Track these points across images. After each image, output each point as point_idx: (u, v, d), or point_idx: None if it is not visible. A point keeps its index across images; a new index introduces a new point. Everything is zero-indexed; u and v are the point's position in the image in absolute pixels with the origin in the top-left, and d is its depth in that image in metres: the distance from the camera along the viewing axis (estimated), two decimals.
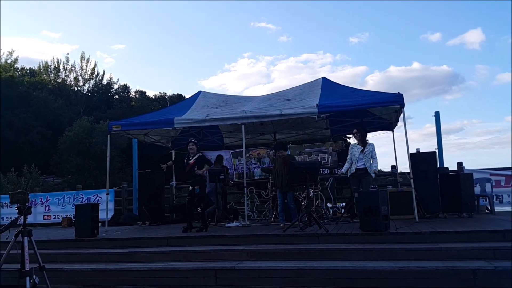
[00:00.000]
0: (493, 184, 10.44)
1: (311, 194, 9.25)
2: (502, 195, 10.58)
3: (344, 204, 11.85)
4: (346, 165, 8.45)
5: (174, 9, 76.66)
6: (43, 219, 13.87)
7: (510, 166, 11.33)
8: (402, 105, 8.49)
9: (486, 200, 10.22)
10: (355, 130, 8.48)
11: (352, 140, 8.63)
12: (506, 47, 76.36)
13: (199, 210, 8.69)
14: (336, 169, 11.88)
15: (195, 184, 8.70)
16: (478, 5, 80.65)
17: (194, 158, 8.80)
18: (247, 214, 9.72)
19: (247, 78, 76.98)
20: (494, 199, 10.23)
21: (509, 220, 7.88)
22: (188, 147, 8.88)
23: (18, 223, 4.81)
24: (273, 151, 9.91)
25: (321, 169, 11.73)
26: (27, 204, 4.76)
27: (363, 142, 8.31)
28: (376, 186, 11.12)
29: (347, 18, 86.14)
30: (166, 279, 6.28)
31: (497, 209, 10.13)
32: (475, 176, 9.93)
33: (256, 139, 13.35)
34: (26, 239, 4.72)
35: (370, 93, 9.49)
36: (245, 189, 9.56)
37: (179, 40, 78.95)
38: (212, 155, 12.96)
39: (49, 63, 39.53)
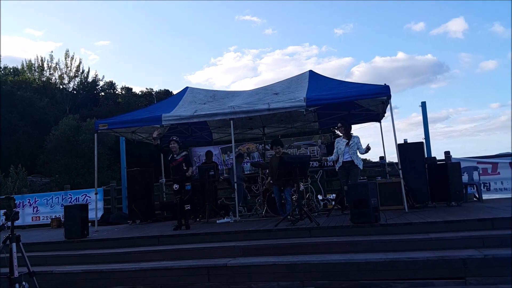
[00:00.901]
0: (480, 172, 10.53)
1: (302, 187, 9.26)
2: (489, 183, 10.72)
3: (334, 195, 11.89)
4: (333, 157, 8.46)
5: (158, 4, 76.01)
6: (32, 220, 13.76)
7: (496, 153, 11.49)
8: (389, 97, 8.51)
9: (474, 188, 10.31)
10: (339, 124, 8.46)
11: (339, 133, 8.62)
12: (489, 35, 77.13)
13: (188, 208, 8.69)
14: (324, 162, 11.89)
15: (186, 181, 8.66)
16: None
17: (182, 155, 8.80)
18: (238, 209, 9.71)
19: (233, 72, 76.92)
20: (482, 187, 10.32)
21: (497, 208, 7.99)
22: (170, 145, 8.84)
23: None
24: (269, 146, 10.07)
25: (311, 162, 11.73)
26: (14, 209, 4.69)
27: (347, 135, 8.33)
28: (365, 177, 11.16)
29: (331, 9, 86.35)
30: (158, 278, 6.26)
31: (485, 196, 10.23)
32: (463, 164, 10.03)
33: (245, 134, 13.33)
34: (14, 245, 4.66)
35: (357, 85, 9.49)
36: (235, 184, 9.54)
37: (164, 35, 78.49)
38: (201, 151, 12.96)
39: (33, 62, 38.96)
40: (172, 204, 11.93)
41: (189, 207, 8.71)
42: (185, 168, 8.63)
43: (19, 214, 13.23)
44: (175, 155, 8.79)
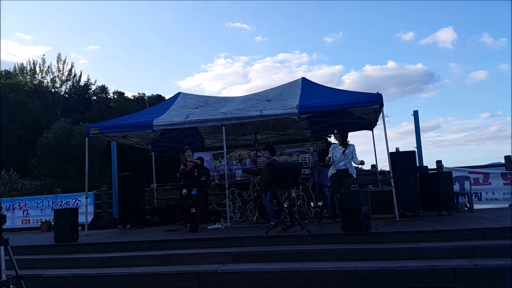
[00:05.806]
0: (472, 182, 10.59)
1: (293, 194, 9.24)
2: (480, 193, 10.75)
3: None
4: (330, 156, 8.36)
5: (148, 10, 76.03)
6: (22, 223, 13.63)
7: (487, 163, 11.55)
8: (381, 105, 8.52)
9: (465, 198, 10.37)
10: (335, 131, 8.44)
11: (333, 140, 8.59)
12: (477, 46, 78.01)
13: (193, 211, 8.77)
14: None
15: (193, 186, 8.86)
16: (448, 3, 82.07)
17: (192, 160, 9.11)
18: (229, 215, 9.68)
19: (224, 78, 76.88)
20: (473, 197, 10.37)
21: (488, 218, 8.02)
22: (185, 153, 9.14)
23: None
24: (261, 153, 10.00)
25: (302, 169, 11.74)
26: (1, 212, 4.65)
27: (344, 143, 8.30)
28: (357, 185, 11.19)
29: (321, 18, 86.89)
30: (148, 283, 6.20)
31: (476, 206, 10.28)
32: (454, 174, 10.06)
33: (237, 140, 13.30)
34: (2, 248, 4.60)
35: (350, 93, 9.51)
36: (227, 190, 9.51)
37: (155, 41, 78.23)
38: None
39: (25, 65, 38.77)
40: (163, 209, 11.89)
41: (194, 210, 8.81)
42: (195, 173, 9.00)
43: (8, 217, 13.06)
44: (188, 162, 9.04)
